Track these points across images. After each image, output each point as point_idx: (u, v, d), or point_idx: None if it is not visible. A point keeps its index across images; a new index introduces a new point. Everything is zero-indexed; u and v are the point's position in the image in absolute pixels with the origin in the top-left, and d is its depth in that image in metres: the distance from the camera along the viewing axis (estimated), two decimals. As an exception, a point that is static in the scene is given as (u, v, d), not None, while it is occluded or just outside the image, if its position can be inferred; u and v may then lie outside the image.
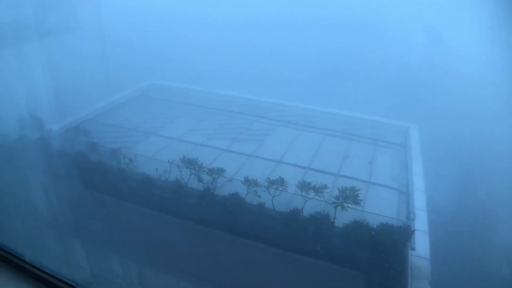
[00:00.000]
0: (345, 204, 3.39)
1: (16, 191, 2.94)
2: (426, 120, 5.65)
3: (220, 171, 3.86)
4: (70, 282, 1.99)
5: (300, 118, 5.84)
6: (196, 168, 3.85)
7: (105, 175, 3.99)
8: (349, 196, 3.46)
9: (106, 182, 3.83)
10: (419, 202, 3.97)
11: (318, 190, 3.49)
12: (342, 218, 3.41)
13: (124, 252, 2.79)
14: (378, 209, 3.75)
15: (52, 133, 3.70)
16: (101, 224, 3.00)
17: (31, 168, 2.97)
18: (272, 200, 3.59)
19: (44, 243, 2.63)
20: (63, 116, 3.78)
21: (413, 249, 3.33)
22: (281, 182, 3.61)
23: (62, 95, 3.63)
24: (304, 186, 3.55)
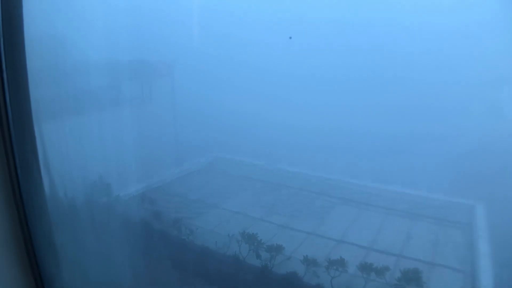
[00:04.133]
0: (407, 287, 3.30)
1: (79, 252, 3.09)
2: (496, 197, 5.40)
3: (278, 248, 3.83)
4: None
5: (362, 196, 5.62)
6: (255, 243, 3.85)
7: (165, 245, 4.06)
8: (411, 279, 3.37)
9: (166, 251, 3.90)
10: (486, 284, 3.80)
11: (380, 271, 3.46)
12: (404, 301, 3.30)
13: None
14: (442, 291, 3.61)
15: (119, 198, 3.86)
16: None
17: (95, 231, 3.11)
18: (331, 281, 3.52)
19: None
20: (131, 183, 3.94)
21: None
22: (341, 262, 3.55)
23: (132, 162, 3.80)
24: (365, 268, 3.51)
